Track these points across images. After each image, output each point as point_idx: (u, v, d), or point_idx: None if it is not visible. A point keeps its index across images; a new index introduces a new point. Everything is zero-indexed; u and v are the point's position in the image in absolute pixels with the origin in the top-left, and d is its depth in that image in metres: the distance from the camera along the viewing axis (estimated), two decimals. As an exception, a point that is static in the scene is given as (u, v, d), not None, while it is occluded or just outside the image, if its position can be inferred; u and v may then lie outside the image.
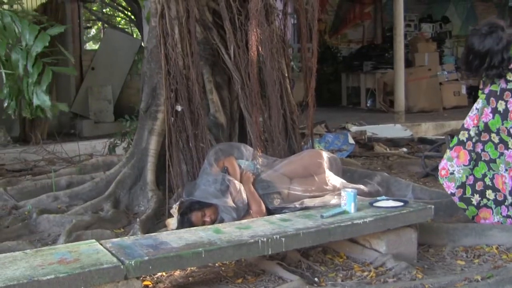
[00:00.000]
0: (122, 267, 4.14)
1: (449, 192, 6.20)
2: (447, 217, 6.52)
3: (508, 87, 5.76)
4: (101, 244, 4.59)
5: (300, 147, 7.57)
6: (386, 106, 17.38)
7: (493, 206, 6.03)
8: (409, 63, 17.82)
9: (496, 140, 5.88)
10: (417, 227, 5.55)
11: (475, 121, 5.98)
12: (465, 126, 6.09)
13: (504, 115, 5.79)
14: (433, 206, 5.63)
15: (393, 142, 11.79)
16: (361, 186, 6.53)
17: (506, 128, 5.78)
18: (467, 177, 6.05)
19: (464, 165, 6.05)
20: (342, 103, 19.78)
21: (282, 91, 7.27)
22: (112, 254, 4.34)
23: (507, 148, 5.83)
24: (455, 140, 6.14)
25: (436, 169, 7.56)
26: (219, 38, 7.25)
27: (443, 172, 6.18)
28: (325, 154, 6.60)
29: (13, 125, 14.47)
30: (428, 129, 14.25)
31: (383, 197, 5.90)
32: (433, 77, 17.11)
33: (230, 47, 7.05)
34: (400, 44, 16.05)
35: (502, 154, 5.87)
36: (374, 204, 5.60)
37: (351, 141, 10.69)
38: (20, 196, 7.64)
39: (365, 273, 5.10)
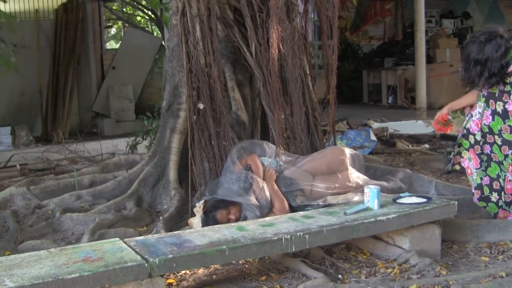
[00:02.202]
0: (146, 265, 4.15)
1: (471, 192, 6.21)
2: (471, 213, 6.49)
3: (506, 89, 5.76)
4: (125, 243, 4.59)
5: (322, 144, 7.56)
6: (408, 102, 17.34)
7: (507, 208, 6.03)
8: (430, 59, 17.76)
9: (499, 142, 5.87)
10: (440, 223, 5.53)
11: (479, 125, 5.99)
12: (470, 130, 6.10)
13: (503, 115, 5.79)
14: (456, 203, 5.62)
15: (415, 139, 11.73)
16: (384, 183, 6.53)
17: (509, 126, 5.78)
18: (481, 178, 6.05)
19: (476, 169, 6.06)
20: (363, 100, 19.77)
21: (304, 88, 7.26)
22: (136, 252, 4.35)
23: (511, 147, 5.82)
24: (466, 143, 6.14)
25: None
26: (240, 36, 7.25)
27: (468, 171, 6.20)
28: (348, 151, 6.60)
29: (35, 124, 14.57)
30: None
31: (406, 193, 5.88)
32: (454, 73, 17.00)
33: (251, 45, 7.05)
34: (421, 40, 16.04)
35: (506, 156, 5.86)
36: (397, 201, 5.59)
37: (373, 138, 10.65)
38: (43, 195, 7.67)
39: (389, 270, 5.09)
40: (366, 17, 21.93)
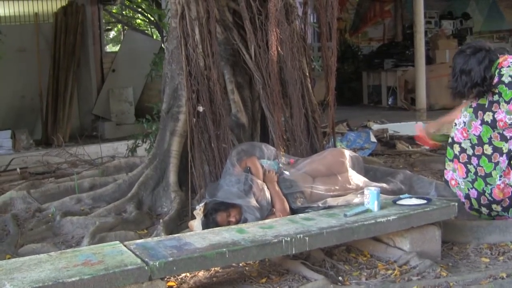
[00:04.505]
0: (146, 268, 4.15)
1: (462, 201, 6.22)
2: (471, 214, 6.48)
3: (495, 99, 5.82)
4: (125, 246, 4.60)
5: (322, 146, 7.56)
6: (408, 104, 17.32)
7: (505, 214, 6.06)
8: (430, 60, 17.76)
9: (490, 151, 5.90)
10: (440, 224, 5.54)
11: (464, 134, 6.03)
12: (455, 139, 6.14)
13: (492, 125, 5.84)
14: (456, 204, 5.62)
15: (415, 140, 11.72)
16: (384, 185, 6.51)
17: (499, 133, 5.83)
18: (469, 189, 6.06)
19: (463, 178, 6.07)
20: (363, 102, 19.72)
21: (304, 90, 7.26)
22: (136, 255, 4.36)
23: (501, 154, 5.84)
24: (451, 152, 6.18)
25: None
26: (239, 38, 7.24)
27: (453, 182, 6.21)
28: (348, 153, 6.59)
29: (35, 128, 14.57)
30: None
31: (406, 195, 5.87)
32: (454, 74, 16.95)
33: (250, 47, 7.05)
34: (420, 41, 16.02)
35: (497, 163, 5.87)
36: (398, 202, 5.59)
37: (373, 139, 10.65)
38: (43, 198, 7.67)
39: (389, 272, 5.09)
40: (365, 18, 21.92)
